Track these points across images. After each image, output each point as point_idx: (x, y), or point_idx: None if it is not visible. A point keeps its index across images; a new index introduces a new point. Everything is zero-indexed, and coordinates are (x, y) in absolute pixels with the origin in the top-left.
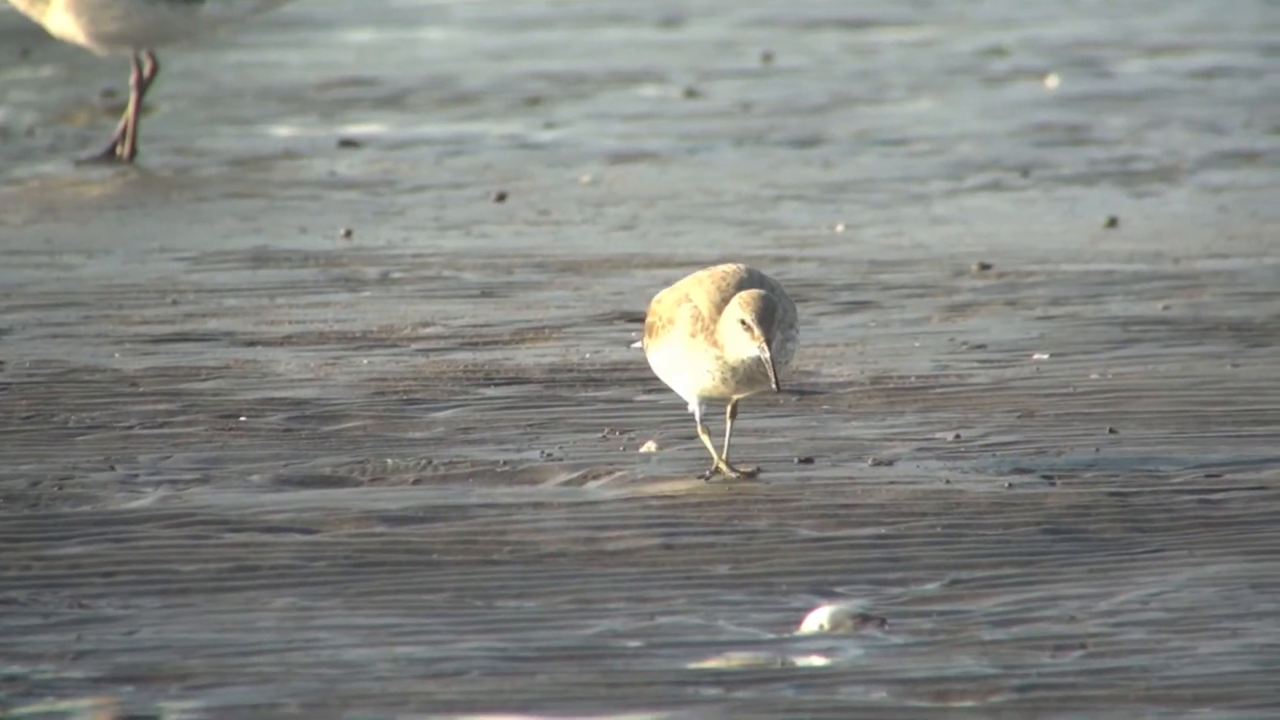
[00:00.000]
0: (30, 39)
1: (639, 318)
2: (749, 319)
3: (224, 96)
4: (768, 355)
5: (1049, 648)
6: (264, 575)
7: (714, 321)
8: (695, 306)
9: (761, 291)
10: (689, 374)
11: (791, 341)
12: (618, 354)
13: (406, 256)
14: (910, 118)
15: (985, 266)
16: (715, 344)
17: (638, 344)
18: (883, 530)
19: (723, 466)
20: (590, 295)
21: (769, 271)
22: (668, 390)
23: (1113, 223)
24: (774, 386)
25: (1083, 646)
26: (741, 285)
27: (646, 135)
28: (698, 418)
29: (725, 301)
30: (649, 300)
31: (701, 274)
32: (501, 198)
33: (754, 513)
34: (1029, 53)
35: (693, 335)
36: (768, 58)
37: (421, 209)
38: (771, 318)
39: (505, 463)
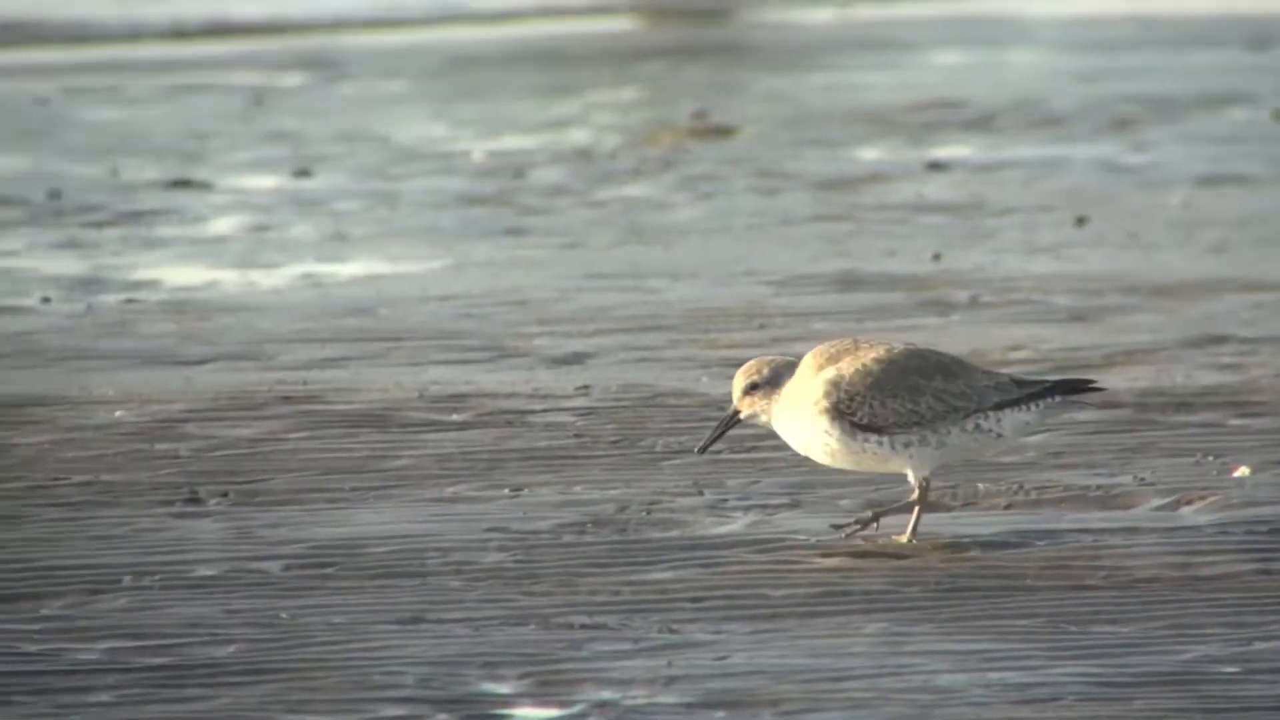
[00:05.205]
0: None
1: (1225, 340)
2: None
3: (811, 119)
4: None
5: None
6: (855, 600)
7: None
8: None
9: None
10: None
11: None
12: (1209, 378)
13: (995, 280)
14: None
15: None
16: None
17: None
18: None
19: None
20: (1181, 319)
21: None
22: (1261, 414)
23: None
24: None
25: None
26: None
27: (1235, 158)
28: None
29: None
30: (1241, 324)
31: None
32: (1080, 222)
33: None
34: None
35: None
36: None
37: (1009, 232)
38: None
39: (1097, 487)
